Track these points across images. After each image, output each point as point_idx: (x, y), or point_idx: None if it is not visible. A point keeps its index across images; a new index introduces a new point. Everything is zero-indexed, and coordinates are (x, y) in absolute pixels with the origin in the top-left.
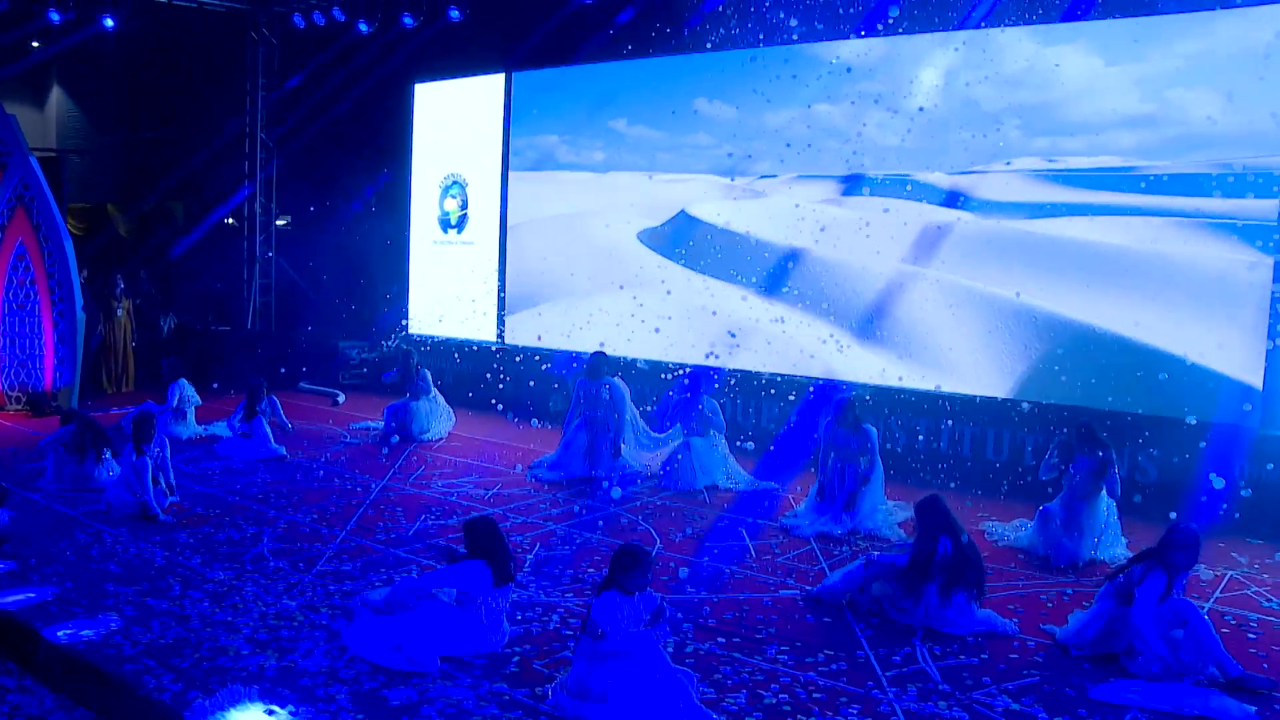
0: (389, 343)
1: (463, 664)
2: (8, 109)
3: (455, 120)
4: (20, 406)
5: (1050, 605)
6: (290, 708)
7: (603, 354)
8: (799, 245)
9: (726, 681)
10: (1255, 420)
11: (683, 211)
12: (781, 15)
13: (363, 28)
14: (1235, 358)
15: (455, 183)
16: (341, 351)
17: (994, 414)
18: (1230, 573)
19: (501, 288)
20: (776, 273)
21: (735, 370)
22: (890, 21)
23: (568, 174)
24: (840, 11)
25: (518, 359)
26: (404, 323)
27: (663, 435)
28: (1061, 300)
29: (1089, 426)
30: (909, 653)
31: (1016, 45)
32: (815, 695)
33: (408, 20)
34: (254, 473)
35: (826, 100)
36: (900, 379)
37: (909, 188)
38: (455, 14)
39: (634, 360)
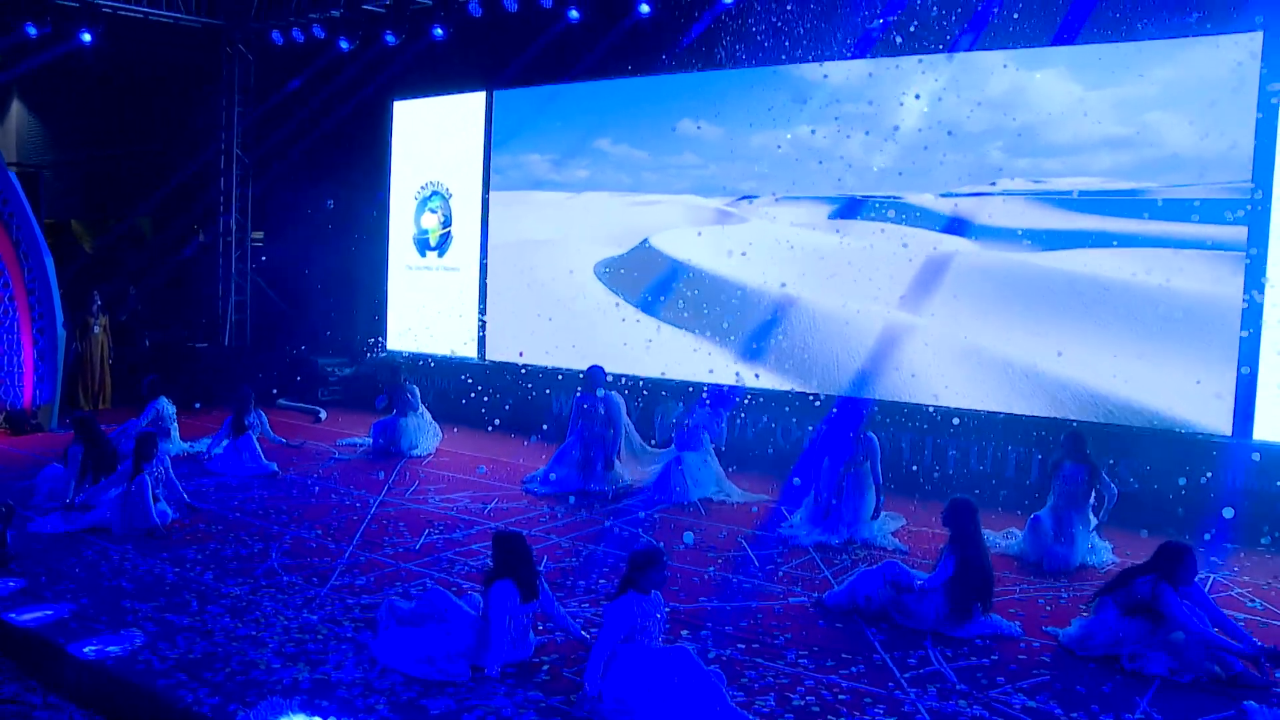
0: (369, 359)
1: (498, 679)
2: None
3: (435, 138)
4: None
5: (1049, 609)
6: (333, 718)
7: (599, 368)
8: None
9: (754, 685)
10: (1227, 430)
11: (646, 240)
12: (767, 37)
13: (343, 45)
14: (1209, 385)
15: (436, 193)
16: (321, 368)
17: (978, 427)
18: (1213, 575)
19: (482, 305)
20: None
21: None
22: (877, 45)
23: (550, 194)
24: (826, 35)
25: (504, 375)
26: (381, 340)
27: (660, 450)
28: (1040, 326)
29: (1077, 435)
30: (922, 655)
31: (998, 69)
32: (840, 697)
33: (390, 38)
34: (249, 489)
35: (812, 122)
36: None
37: (891, 212)
38: (439, 32)
39: (636, 377)
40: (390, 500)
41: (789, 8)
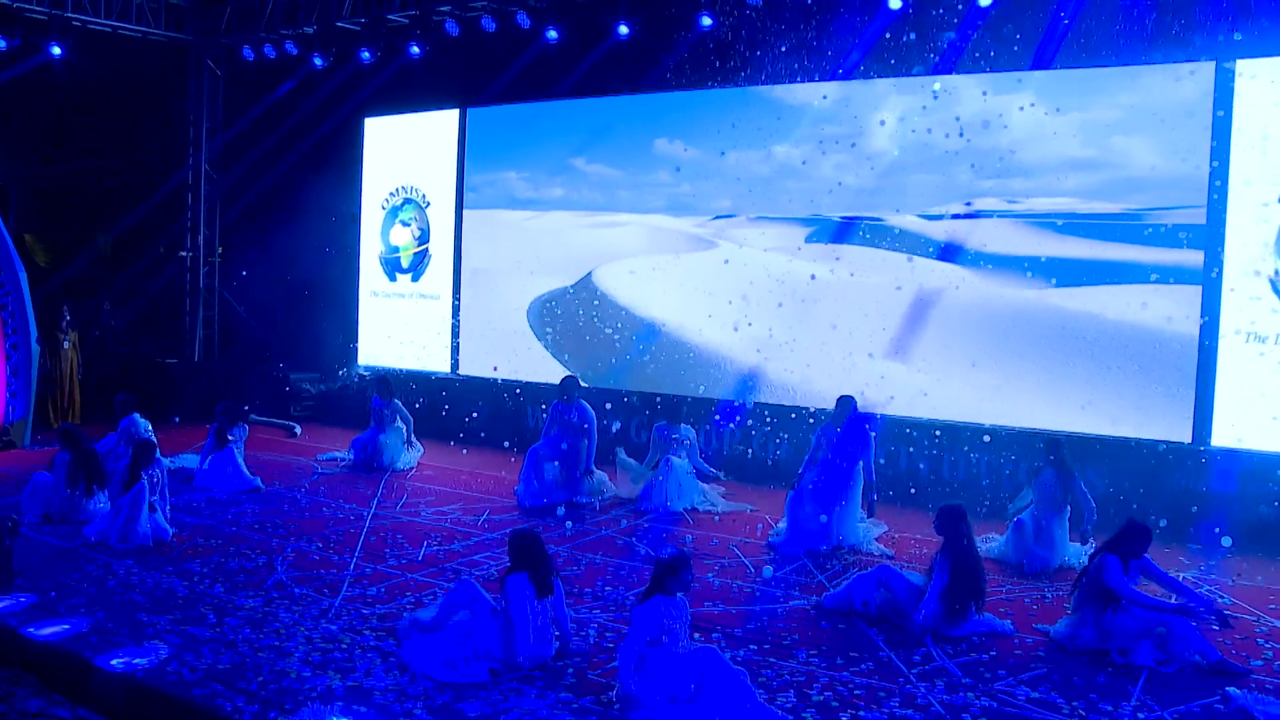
0: (342, 374)
1: (527, 677)
2: None
3: (408, 155)
4: None
5: (1035, 608)
6: None
7: (574, 378)
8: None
9: (773, 683)
10: (1189, 439)
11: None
12: (745, 59)
13: (317, 62)
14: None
15: (409, 201)
16: (294, 384)
17: (953, 437)
18: (1183, 574)
19: (456, 321)
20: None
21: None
22: (854, 68)
23: (522, 212)
24: (804, 58)
25: (479, 389)
26: (353, 355)
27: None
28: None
29: (1056, 442)
30: (925, 653)
31: (972, 93)
32: (856, 692)
33: (365, 56)
34: (240, 504)
35: (788, 142)
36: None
37: (864, 233)
38: (416, 50)
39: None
40: (382, 513)
41: (768, 30)
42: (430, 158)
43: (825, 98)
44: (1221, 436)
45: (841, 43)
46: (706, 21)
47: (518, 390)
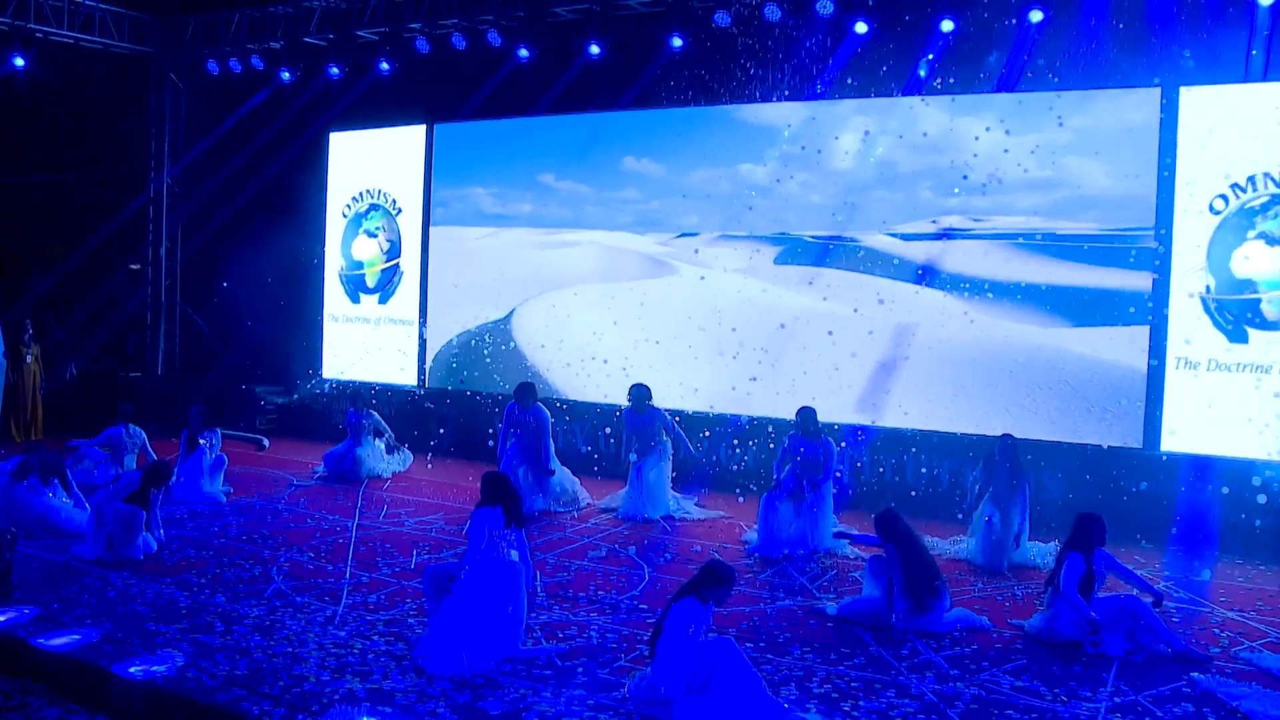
0: (313, 384)
1: (541, 679)
2: None
3: (373, 169)
4: None
5: (1009, 605)
6: None
7: (530, 383)
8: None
9: (774, 677)
10: (1139, 443)
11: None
12: (713, 78)
13: (285, 76)
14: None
15: (376, 208)
16: (259, 396)
17: (906, 443)
18: (1138, 571)
19: (423, 334)
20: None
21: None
22: (821, 89)
23: (488, 228)
24: (772, 79)
25: (445, 402)
26: (318, 368)
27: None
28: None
29: (1009, 439)
30: (911, 647)
31: (934, 114)
32: (853, 684)
33: (334, 72)
34: (224, 515)
35: (753, 161)
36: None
37: (832, 247)
38: (385, 67)
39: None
40: (366, 524)
41: (737, 51)
42: (397, 172)
43: (790, 124)
44: (1169, 442)
45: (808, 65)
46: (677, 42)
47: (483, 402)
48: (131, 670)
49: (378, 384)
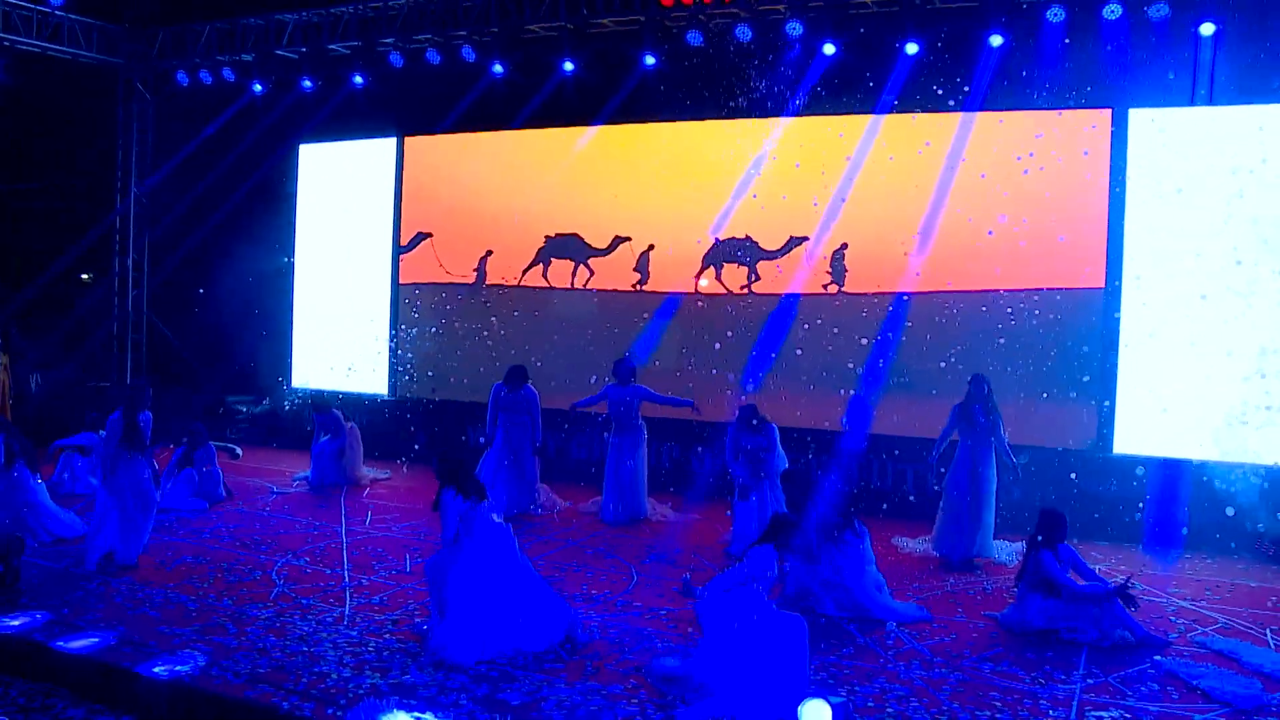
0: (277, 397)
1: (553, 671)
2: None
3: (343, 181)
4: None
5: (979, 598)
6: (430, 713)
7: (521, 366)
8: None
9: None
10: (1095, 447)
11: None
12: (686, 96)
13: (257, 88)
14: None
15: None
16: (230, 406)
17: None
18: (1097, 566)
19: (394, 343)
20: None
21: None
22: (792, 107)
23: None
24: (744, 97)
25: (416, 410)
26: (287, 377)
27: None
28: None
29: (981, 377)
30: (895, 638)
31: (900, 130)
32: (846, 671)
33: (307, 85)
34: (213, 522)
35: (722, 174)
36: None
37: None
38: (360, 80)
39: None
40: (355, 529)
41: (713, 69)
42: (366, 184)
43: (769, 136)
44: (1121, 445)
45: (779, 84)
46: (650, 60)
47: (452, 408)
48: (156, 670)
49: (347, 392)
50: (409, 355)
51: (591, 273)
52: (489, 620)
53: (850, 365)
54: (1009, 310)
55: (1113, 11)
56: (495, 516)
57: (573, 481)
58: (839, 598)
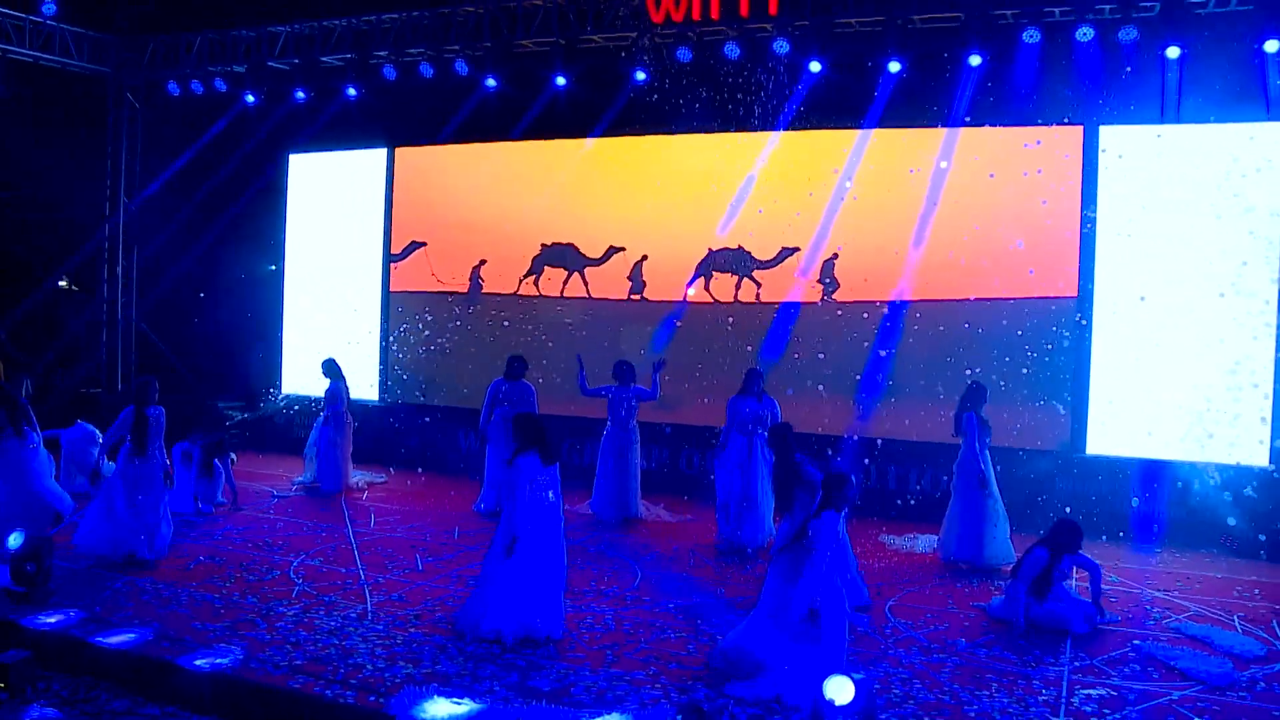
0: (267, 402)
1: (577, 659)
2: None
3: (333, 191)
4: None
5: (967, 591)
6: (467, 699)
7: (520, 357)
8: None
9: None
10: (1070, 448)
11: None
12: (674, 111)
13: (249, 99)
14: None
15: None
16: (221, 412)
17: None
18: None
19: (384, 350)
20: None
21: None
22: (779, 122)
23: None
24: (732, 111)
25: (407, 416)
26: (277, 384)
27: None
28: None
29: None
30: (893, 627)
31: (886, 146)
32: (851, 658)
33: (300, 96)
34: (221, 525)
35: (714, 186)
36: None
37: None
38: (353, 93)
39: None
40: (361, 531)
41: (703, 85)
42: (357, 193)
43: (760, 150)
44: (1093, 446)
45: (768, 99)
46: (641, 76)
47: (442, 414)
48: (197, 663)
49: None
50: (399, 362)
51: (586, 283)
52: (526, 592)
53: (830, 372)
54: (984, 318)
55: (1085, 34)
56: (550, 494)
57: (566, 486)
58: None
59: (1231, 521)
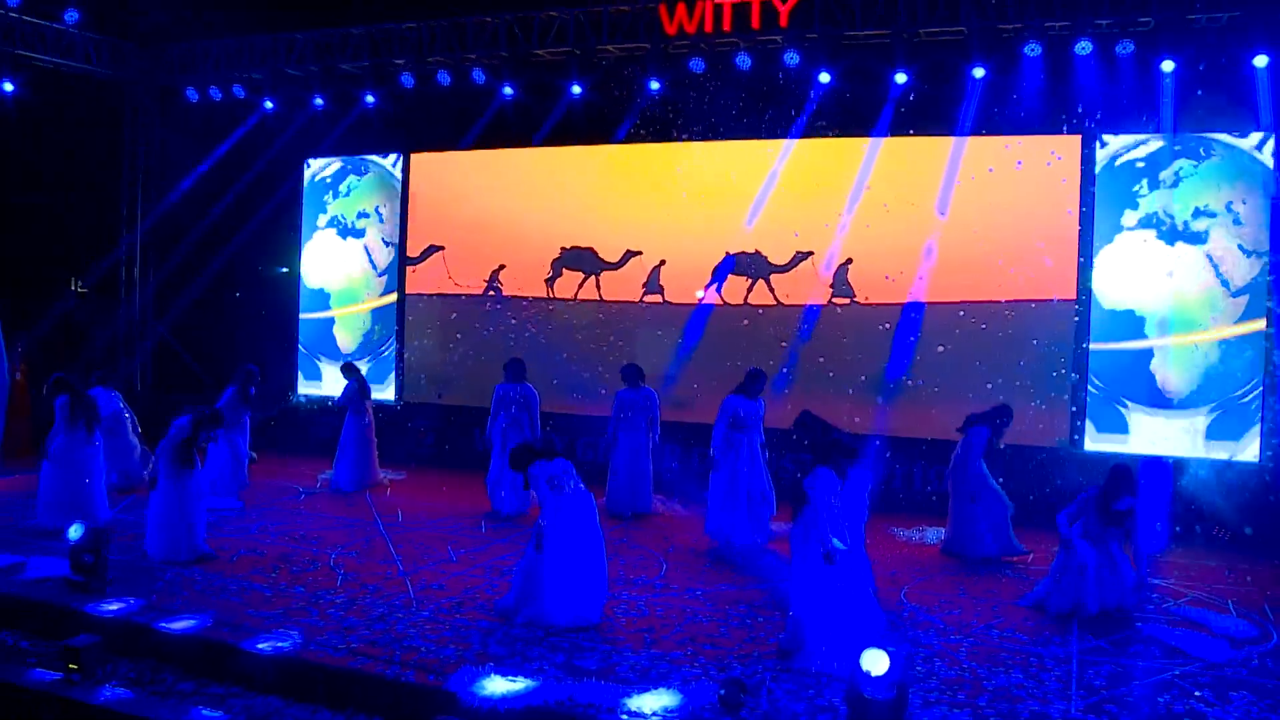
0: (282, 404)
1: (616, 641)
2: None
3: (350, 195)
4: None
5: (979, 579)
6: (521, 677)
7: (519, 359)
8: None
9: None
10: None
11: None
12: (690, 117)
13: (268, 105)
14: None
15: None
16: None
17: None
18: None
19: (400, 350)
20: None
21: None
22: (791, 130)
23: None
24: (744, 120)
25: (424, 416)
26: (293, 385)
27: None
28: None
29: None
30: (909, 613)
31: (896, 153)
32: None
33: (319, 102)
34: (255, 520)
35: (731, 192)
36: None
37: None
38: (371, 100)
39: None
40: (391, 525)
41: (717, 94)
42: (373, 199)
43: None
44: (1090, 443)
45: (781, 108)
46: (655, 85)
47: (459, 413)
48: (260, 646)
49: None
50: (415, 363)
51: (599, 288)
52: (577, 584)
53: (831, 374)
54: (986, 320)
55: (1084, 48)
56: (571, 484)
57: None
58: None
59: (1223, 514)
